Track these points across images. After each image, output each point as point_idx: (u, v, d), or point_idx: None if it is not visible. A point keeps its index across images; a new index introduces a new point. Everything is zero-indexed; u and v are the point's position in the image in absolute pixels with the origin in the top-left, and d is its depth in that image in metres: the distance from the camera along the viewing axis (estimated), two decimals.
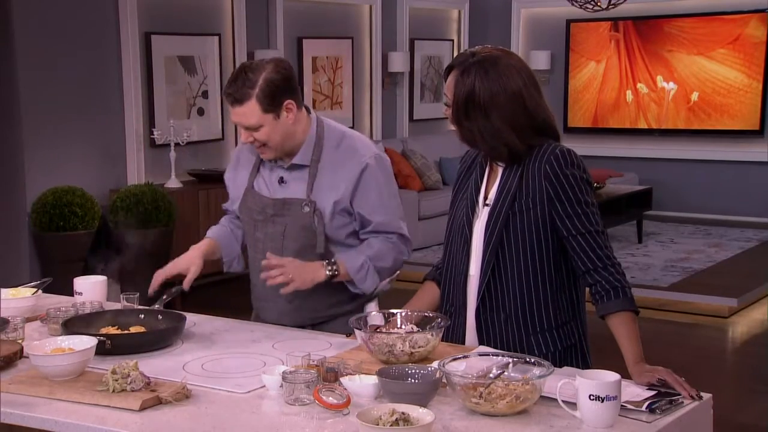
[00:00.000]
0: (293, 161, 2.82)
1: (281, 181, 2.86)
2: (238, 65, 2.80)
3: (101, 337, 2.45)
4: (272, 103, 2.71)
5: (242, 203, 2.92)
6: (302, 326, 2.84)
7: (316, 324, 2.86)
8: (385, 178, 2.85)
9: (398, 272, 2.99)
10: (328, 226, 2.80)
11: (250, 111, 2.70)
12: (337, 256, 2.80)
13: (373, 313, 2.58)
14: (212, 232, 3.05)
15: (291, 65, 2.81)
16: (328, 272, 2.74)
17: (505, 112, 2.41)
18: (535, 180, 2.43)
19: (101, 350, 2.43)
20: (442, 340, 2.45)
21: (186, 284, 2.87)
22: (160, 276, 2.85)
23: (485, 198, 2.52)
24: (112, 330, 2.62)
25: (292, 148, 2.81)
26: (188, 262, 2.89)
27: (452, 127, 2.51)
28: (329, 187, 2.80)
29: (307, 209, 2.79)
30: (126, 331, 2.62)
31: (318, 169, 2.81)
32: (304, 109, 2.82)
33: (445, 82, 2.50)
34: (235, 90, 2.70)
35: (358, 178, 2.79)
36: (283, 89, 2.72)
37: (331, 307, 2.86)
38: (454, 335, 2.58)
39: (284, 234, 2.82)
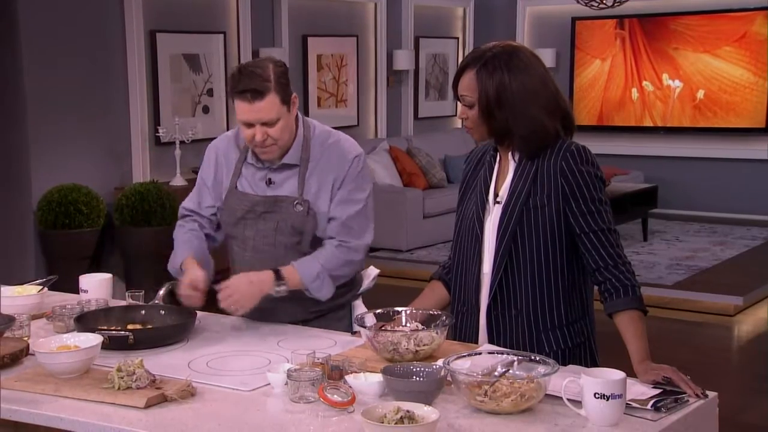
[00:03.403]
0: (283, 161, 2.78)
1: (269, 182, 2.81)
2: (234, 68, 2.73)
3: (126, 332, 2.53)
4: (286, 94, 2.68)
5: (225, 204, 2.86)
6: (294, 323, 2.82)
7: (308, 321, 2.84)
8: (363, 175, 2.81)
9: (378, 272, 2.97)
10: (320, 227, 2.78)
11: (270, 104, 2.64)
12: (293, 264, 2.73)
13: (367, 316, 2.55)
14: (188, 247, 2.89)
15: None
16: (276, 288, 2.69)
17: (539, 97, 2.42)
18: (551, 176, 2.43)
19: (124, 345, 2.49)
20: (453, 339, 2.45)
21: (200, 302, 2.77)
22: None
23: (495, 195, 2.52)
24: (130, 327, 2.65)
25: (287, 146, 2.78)
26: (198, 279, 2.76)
27: (458, 125, 2.51)
28: (323, 189, 2.77)
29: (300, 208, 2.76)
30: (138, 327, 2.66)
31: (308, 168, 2.78)
32: None
33: (458, 82, 2.47)
34: (251, 83, 2.62)
35: (345, 174, 2.77)
36: (288, 81, 2.71)
37: (323, 302, 2.82)
38: (466, 336, 2.57)
39: (276, 229, 2.79)
